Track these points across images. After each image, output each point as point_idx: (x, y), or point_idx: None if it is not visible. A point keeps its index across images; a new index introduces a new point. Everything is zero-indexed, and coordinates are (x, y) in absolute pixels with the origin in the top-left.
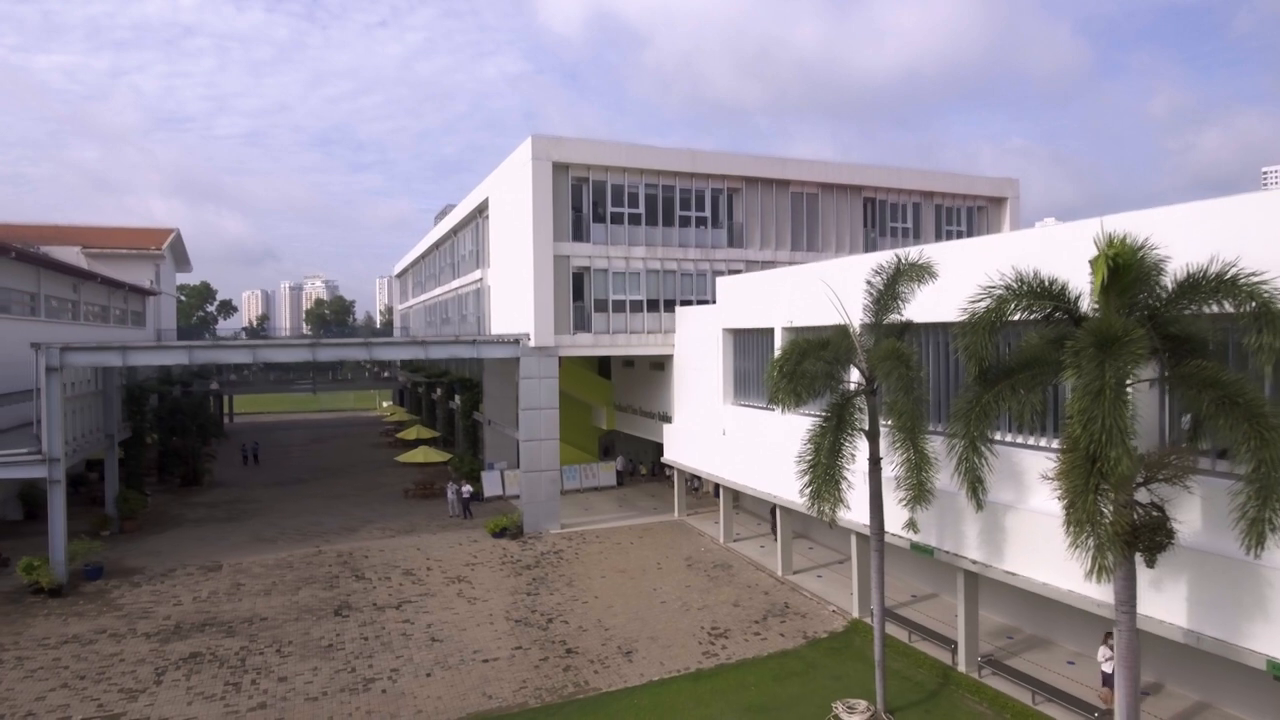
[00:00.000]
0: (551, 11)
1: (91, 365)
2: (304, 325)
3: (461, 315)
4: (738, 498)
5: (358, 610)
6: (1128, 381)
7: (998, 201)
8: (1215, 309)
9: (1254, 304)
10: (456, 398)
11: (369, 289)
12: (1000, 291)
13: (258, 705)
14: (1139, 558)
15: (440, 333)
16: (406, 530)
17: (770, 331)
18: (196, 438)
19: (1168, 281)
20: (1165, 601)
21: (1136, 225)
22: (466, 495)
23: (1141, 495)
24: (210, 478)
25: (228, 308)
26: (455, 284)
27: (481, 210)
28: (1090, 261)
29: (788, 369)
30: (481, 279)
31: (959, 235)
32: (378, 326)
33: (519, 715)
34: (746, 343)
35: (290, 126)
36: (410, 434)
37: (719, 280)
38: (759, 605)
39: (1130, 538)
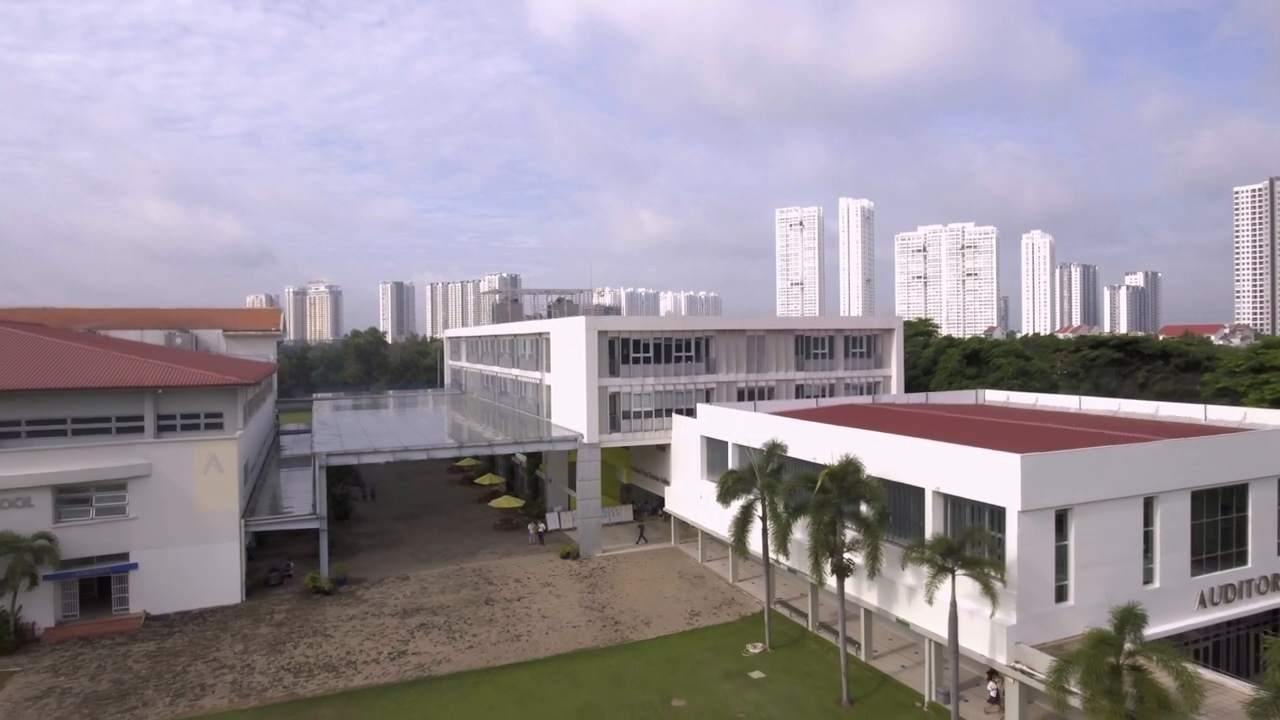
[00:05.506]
0: (542, 16)
1: (340, 464)
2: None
3: (521, 396)
4: (710, 536)
5: (497, 602)
6: (829, 518)
7: (887, 331)
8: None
9: (868, 491)
10: (519, 455)
11: (372, 291)
12: (794, 475)
13: (468, 647)
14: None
15: (498, 403)
16: (506, 554)
17: (726, 443)
18: (351, 485)
19: (863, 474)
20: (875, 596)
21: (860, 442)
22: (542, 530)
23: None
24: (354, 513)
25: None
26: (515, 372)
27: (542, 335)
28: (822, 471)
29: (725, 488)
30: (541, 379)
31: (861, 356)
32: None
33: (594, 651)
34: (714, 445)
35: (288, 126)
36: (485, 480)
37: (699, 405)
38: (718, 599)
39: (837, 571)
